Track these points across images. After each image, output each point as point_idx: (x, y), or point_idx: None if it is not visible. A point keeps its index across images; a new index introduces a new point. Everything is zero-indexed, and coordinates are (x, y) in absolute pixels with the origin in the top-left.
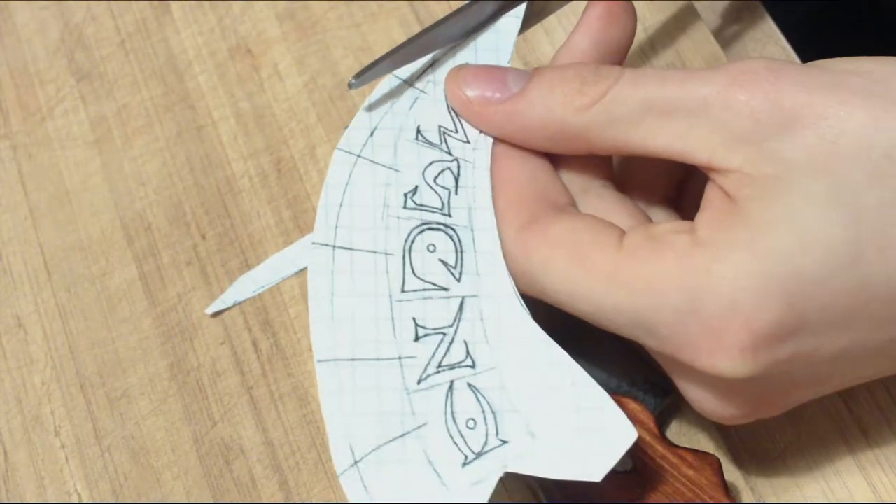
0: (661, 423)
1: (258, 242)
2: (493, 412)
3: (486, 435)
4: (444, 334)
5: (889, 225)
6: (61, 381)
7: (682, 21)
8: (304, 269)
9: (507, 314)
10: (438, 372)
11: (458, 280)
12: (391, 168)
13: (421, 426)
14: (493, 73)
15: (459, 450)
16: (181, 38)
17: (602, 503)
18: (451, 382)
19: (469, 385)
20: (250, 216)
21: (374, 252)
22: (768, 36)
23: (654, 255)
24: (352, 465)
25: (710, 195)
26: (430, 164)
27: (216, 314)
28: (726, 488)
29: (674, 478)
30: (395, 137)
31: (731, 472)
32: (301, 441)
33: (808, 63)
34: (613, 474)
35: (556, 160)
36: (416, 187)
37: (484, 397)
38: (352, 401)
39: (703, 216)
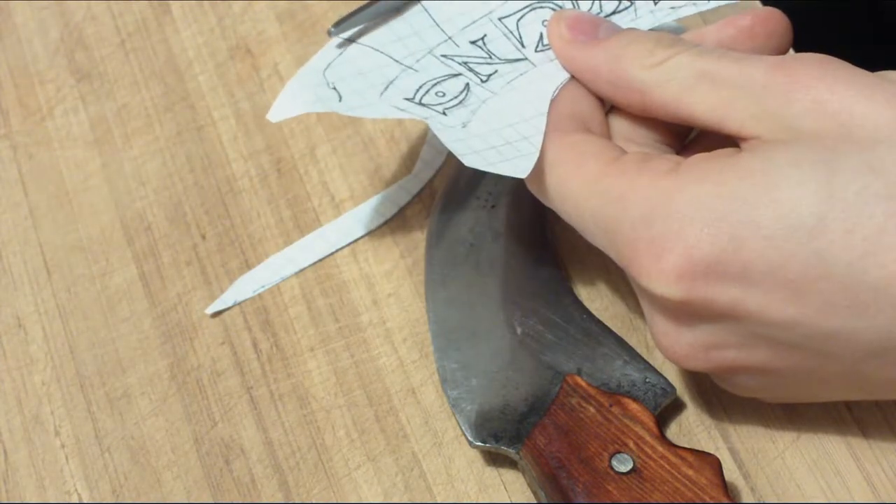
0: (661, 423)
1: (258, 242)
2: (460, 102)
3: (438, 104)
4: (490, 59)
5: (864, 215)
6: (61, 381)
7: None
8: (304, 270)
9: (540, 87)
10: (460, 64)
11: (536, 51)
12: None
13: (413, 68)
14: (590, 20)
15: (414, 91)
16: (181, 38)
17: (602, 503)
18: (459, 74)
19: (467, 84)
20: (250, 216)
21: None
22: None
23: (636, 172)
24: (344, 41)
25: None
26: None
27: (216, 314)
28: (726, 488)
29: (674, 478)
30: None
31: (731, 472)
32: (301, 441)
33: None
34: (613, 474)
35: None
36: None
37: (466, 95)
38: (395, 21)
39: (699, 155)
